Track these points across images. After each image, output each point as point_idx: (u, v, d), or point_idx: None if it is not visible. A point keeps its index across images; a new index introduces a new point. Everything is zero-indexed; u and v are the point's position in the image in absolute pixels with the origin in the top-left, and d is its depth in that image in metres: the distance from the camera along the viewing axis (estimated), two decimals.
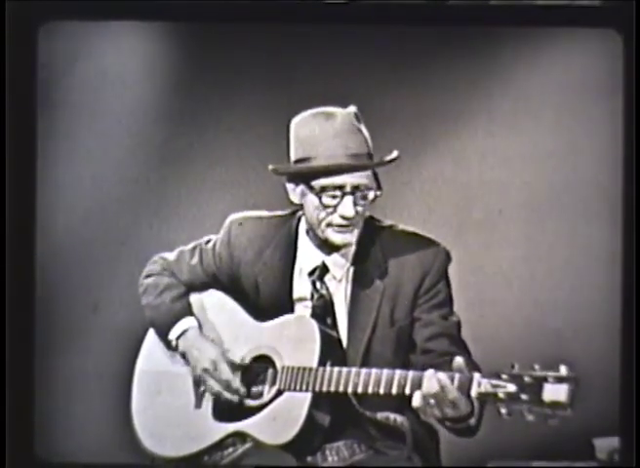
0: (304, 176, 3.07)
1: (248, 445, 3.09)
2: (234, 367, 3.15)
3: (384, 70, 3.51)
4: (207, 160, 3.57)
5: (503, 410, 2.77)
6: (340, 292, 3.15)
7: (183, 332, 3.20)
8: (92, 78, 3.50)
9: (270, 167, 3.14)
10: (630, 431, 3.25)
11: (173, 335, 3.21)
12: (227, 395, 3.13)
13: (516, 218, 3.54)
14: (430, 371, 2.86)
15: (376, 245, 3.15)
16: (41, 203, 3.42)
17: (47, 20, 3.36)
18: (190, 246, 3.29)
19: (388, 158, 3.11)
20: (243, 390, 3.13)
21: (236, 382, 3.14)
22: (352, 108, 3.10)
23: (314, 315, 3.14)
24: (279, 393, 3.07)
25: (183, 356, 3.20)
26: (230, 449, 3.12)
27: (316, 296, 3.15)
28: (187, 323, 3.21)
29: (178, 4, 3.41)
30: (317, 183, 3.05)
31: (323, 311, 3.15)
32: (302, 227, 3.20)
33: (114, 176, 3.56)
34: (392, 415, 3.09)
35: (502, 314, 3.52)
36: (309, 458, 3.07)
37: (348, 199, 3.04)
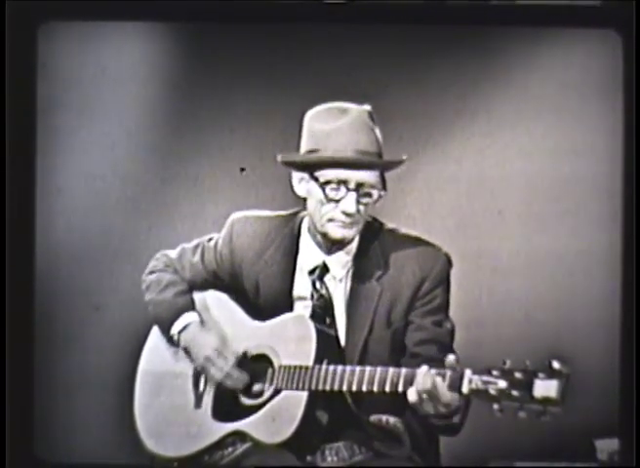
0: (311, 168, 3.08)
1: (247, 444, 3.09)
2: (236, 356, 3.15)
3: (384, 70, 3.50)
4: (207, 160, 3.57)
5: (495, 407, 2.78)
6: (339, 293, 3.15)
7: (185, 327, 3.20)
8: (92, 78, 3.51)
9: (279, 157, 3.14)
10: (630, 431, 3.25)
11: (175, 330, 3.21)
12: (229, 383, 3.14)
13: (516, 218, 3.54)
14: (424, 368, 2.87)
15: (376, 247, 3.15)
16: (41, 203, 3.43)
17: (47, 20, 3.37)
18: (193, 243, 3.30)
19: (396, 159, 3.11)
20: (244, 378, 3.14)
21: (238, 371, 3.14)
22: (367, 107, 3.11)
23: (314, 315, 3.14)
24: (277, 392, 3.08)
25: (185, 350, 3.20)
26: (230, 449, 3.12)
27: (316, 296, 3.16)
28: (189, 317, 3.21)
29: (178, 4, 3.41)
30: (322, 175, 3.06)
31: (323, 311, 3.15)
32: (305, 227, 3.20)
33: (114, 177, 3.56)
34: (385, 417, 3.09)
35: (501, 314, 3.52)
36: (309, 458, 3.08)
37: (351, 195, 3.05)
